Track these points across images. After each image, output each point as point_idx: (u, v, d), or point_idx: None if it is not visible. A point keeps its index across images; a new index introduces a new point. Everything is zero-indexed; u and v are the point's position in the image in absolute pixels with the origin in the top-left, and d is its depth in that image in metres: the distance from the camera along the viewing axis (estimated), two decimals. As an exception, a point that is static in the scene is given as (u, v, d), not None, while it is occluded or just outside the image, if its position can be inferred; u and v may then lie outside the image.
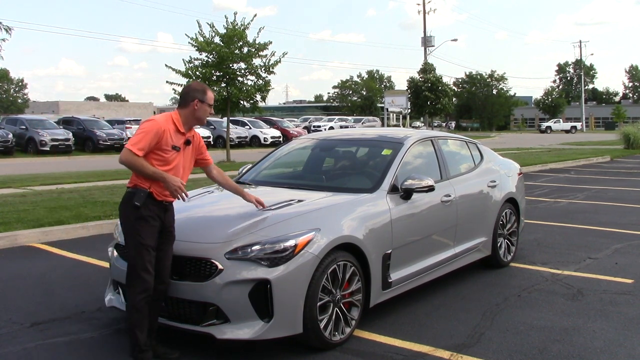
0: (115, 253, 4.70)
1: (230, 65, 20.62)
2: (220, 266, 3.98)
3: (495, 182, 6.53)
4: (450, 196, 5.68)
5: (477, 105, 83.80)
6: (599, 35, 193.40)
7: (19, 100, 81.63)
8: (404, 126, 53.82)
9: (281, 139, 35.59)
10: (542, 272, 6.32)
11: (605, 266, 6.57)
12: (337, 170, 5.94)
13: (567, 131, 68.99)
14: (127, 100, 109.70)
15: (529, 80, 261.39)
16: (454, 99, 61.81)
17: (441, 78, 48.13)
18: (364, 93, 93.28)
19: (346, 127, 43.76)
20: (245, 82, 21.26)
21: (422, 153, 5.89)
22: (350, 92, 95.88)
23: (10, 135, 27.28)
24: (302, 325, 4.03)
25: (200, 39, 20.35)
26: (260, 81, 21.22)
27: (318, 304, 4.10)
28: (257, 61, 21.03)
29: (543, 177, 16.67)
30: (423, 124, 59.49)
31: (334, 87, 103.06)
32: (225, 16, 21.32)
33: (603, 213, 10.26)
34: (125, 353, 4.12)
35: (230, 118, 24.30)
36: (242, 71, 21.10)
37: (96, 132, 30.32)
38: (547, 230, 8.69)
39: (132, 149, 3.83)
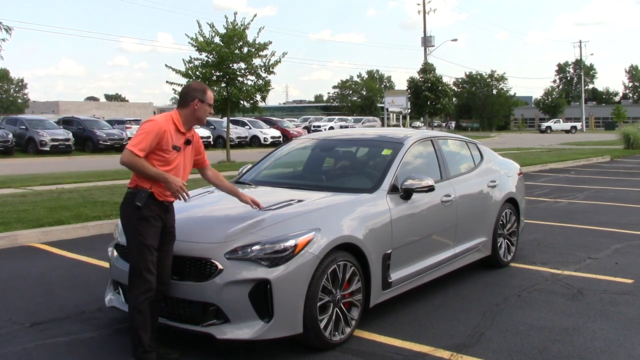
0: (115, 253, 4.71)
1: (230, 65, 20.62)
2: (220, 266, 3.98)
3: (495, 182, 6.53)
4: (450, 196, 5.68)
5: (477, 105, 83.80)
6: (599, 35, 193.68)
7: (19, 100, 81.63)
8: (404, 126, 53.83)
9: (281, 139, 35.59)
10: (542, 272, 6.32)
11: (605, 266, 6.57)
12: (337, 170, 5.94)
13: (567, 131, 68.99)
14: (127, 100, 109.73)
15: (529, 80, 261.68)
16: (454, 99, 61.81)
17: (441, 78, 48.13)
18: (364, 93, 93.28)
19: (346, 127, 43.76)
20: (245, 82, 21.26)
21: (422, 153, 5.89)
22: (350, 92, 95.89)
23: (10, 135, 27.28)
24: (302, 325, 4.03)
25: (200, 39, 20.35)
26: (260, 81, 21.21)
27: (318, 304, 4.10)
28: (257, 61, 21.04)
29: (543, 177, 16.67)
30: (423, 124, 59.49)
31: (334, 87, 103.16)
32: (225, 16, 21.34)
33: (603, 213, 10.26)
34: (126, 353, 4.13)
35: (230, 118, 24.29)
36: (242, 71, 21.09)
37: (96, 132, 30.33)
38: (547, 230, 8.69)
39: (133, 150, 3.83)
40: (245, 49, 20.61)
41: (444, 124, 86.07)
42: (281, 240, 4.06)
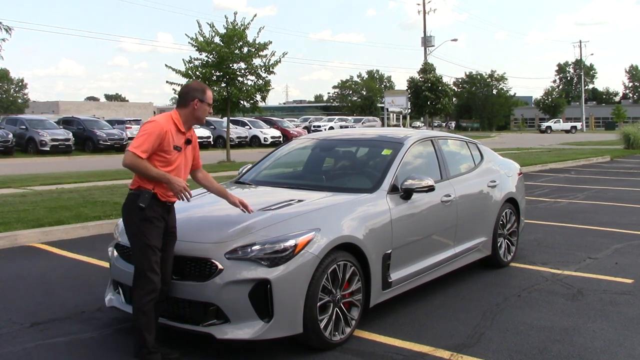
0: (115, 253, 4.71)
1: (230, 65, 20.61)
2: (220, 266, 3.98)
3: (495, 182, 6.53)
4: (450, 196, 5.68)
5: (477, 105, 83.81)
6: (599, 35, 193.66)
7: (19, 100, 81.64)
8: (404, 126, 53.84)
9: (281, 139, 35.59)
10: (542, 272, 6.32)
11: (605, 266, 6.57)
12: (337, 170, 5.94)
13: (567, 131, 69.00)
14: (127, 100, 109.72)
15: (529, 80, 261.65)
16: (454, 99, 61.80)
17: (441, 78, 48.13)
18: (364, 93, 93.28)
19: (346, 127, 43.76)
20: (245, 82, 21.25)
21: (422, 153, 5.89)
22: (350, 92, 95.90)
23: (10, 135, 27.27)
24: (302, 325, 4.03)
25: (200, 39, 20.35)
26: (260, 81, 21.21)
27: (318, 304, 4.10)
28: (257, 61, 21.03)
29: (543, 177, 16.67)
30: (423, 124, 59.50)
31: (334, 87, 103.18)
32: (225, 16, 21.33)
33: (603, 213, 10.26)
34: (126, 353, 4.13)
35: (230, 118, 24.28)
36: (242, 71, 21.09)
37: (96, 132, 30.33)
38: (547, 230, 8.69)
39: (136, 151, 3.82)
40: (245, 49, 20.61)
41: (444, 124, 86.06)
42: (281, 240, 4.06)
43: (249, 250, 4.01)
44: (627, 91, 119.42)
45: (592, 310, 5.10)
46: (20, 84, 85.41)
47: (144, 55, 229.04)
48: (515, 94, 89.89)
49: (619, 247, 7.53)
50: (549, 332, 4.57)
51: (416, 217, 5.18)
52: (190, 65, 20.71)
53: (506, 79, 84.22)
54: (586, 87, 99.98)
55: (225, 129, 24.79)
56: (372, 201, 4.87)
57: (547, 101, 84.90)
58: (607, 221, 9.34)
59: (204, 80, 19.80)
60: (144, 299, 3.86)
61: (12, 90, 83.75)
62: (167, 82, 21.84)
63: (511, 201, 6.77)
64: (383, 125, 53.52)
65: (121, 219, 4.79)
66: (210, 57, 20.54)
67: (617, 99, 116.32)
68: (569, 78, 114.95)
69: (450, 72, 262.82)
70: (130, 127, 37.71)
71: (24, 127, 29.12)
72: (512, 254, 6.73)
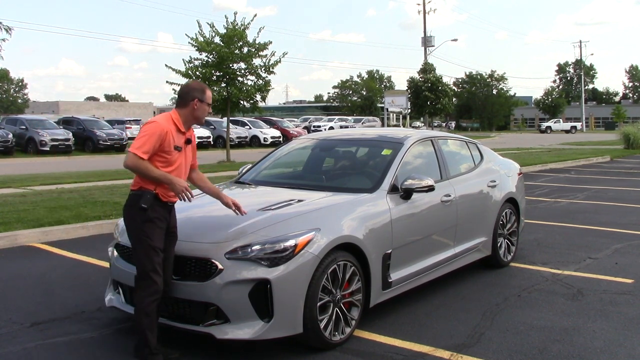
0: (115, 253, 4.71)
1: (230, 65, 20.61)
2: (220, 266, 3.98)
3: (495, 182, 6.53)
4: (450, 196, 5.68)
5: (477, 105, 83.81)
6: (599, 35, 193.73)
7: (19, 100, 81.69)
8: (404, 126, 53.84)
9: (281, 139, 35.59)
10: (542, 272, 6.32)
11: (606, 266, 6.57)
12: (337, 170, 5.94)
13: (567, 131, 69.00)
14: (127, 100, 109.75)
15: (529, 80, 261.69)
16: (454, 99, 61.83)
17: (441, 78, 48.15)
18: (364, 93, 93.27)
19: (346, 127, 43.76)
20: (245, 82, 21.26)
21: (422, 153, 5.89)
22: (350, 92, 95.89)
23: (10, 135, 27.26)
24: (302, 325, 4.03)
25: (200, 39, 20.35)
26: (260, 81, 21.21)
27: (318, 304, 4.10)
28: (257, 61, 21.04)
29: (543, 177, 16.67)
30: (423, 124, 59.50)
31: (334, 87, 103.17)
32: (225, 16, 21.32)
33: (603, 213, 10.26)
34: (126, 353, 4.13)
35: (230, 118, 24.29)
36: (242, 71, 21.09)
37: (96, 132, 30.31)
38: (547, 230, 8.69)
39: (137, 152, 3.80)
40: (245, 49, 20.61)
41: (444, 124, 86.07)
42: (281, 240, 4.06)
43: (249, 250, 4.01)
44: (627, 91, 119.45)
45: (592, 310, 5.10)
46: (20, 84, 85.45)
47: (144, 55, 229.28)
48: (515, 94, 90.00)
49: (619, 247, 7.53)
50: (549, 332, 4.57)
51: (416, 217, 5.18)
52: (190, 65, 20.71)
53: (506, 79, 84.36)
54: (586, 87, 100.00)
55: (225, 129, 24.80)
56: (372, 201, 4.87)
57: (547, 101, 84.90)
58: (607, 221, 9.34)
59: (204, 80, 19.80)
60: (147, 300, 3.85)
61: (12, 90, 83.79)
62: (167, 82, 21.86)
63: (511, 201, 6.77)
64: (383, 125, 53.51)
65: (121, 219, 4.79)
66: (210, 57, 20.55)
67: (617, 99, 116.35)
68: (569, 78, 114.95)
69: (450, 72, 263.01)
70: (130, 127, 37.76)
71: (24, 127, 29.12)
72: (512, 254, 6.73)
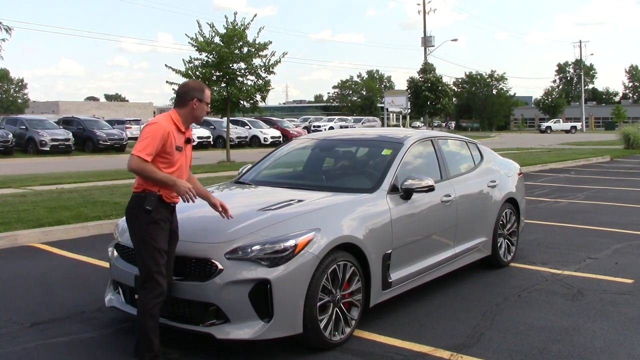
0: (116, 253, 4.70)
1: (230, 65, 20.62)
2: (220, 266, 3.98)
3: (495, 182, 6.53)
4: (450, 196, 5.68)
5: (477, 105, 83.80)
6: (599, 35, 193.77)
7: (19, 100, 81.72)
8: (404, 126, 53.84)
9: (281, 139, 35.59)
10: (542, 272, 6.32)
11: (605, 266, 6.57)
12: (337, 170, 5.94)
13: (567, 131, 69.01)
14: (127, 100, 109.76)
15: (529, 80, 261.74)
16: (454, 99, 61.84)
17: (441, 78, 48.17)
18: (364, 93, 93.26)
19: (346, 127, 43.76)
20: (245, 82, 21.27)
21: (422, 153, 5.89)
22: (350, 92, 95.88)
23: (10, 135, 27.26)
24: (302, 325, 4.03)
25: (200, 39, 20.35)
26: (260, 81, 21.22)
27: (318, 304, 4.10)
28: (257, 61, 21.05)
29: (543, 177, 16.67)
30: (423, 124, 59.51)
31: (334, 87, 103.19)
32: (225, 16, 21.35)
33: (603, 213, 10.26)
34: (126, 353, 4.13)
35: (230, 118, 24.29)
36: (242, 71, 21.10)
37: (96, 132, 30.31)
38: (547, 230, 8.69)
39: (141, 155, 3.78)
40: (245, 49, 20.62)
41: (444, 124, 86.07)
42: (281, 240, 4.06)
43: (249, 250, 4.01)
44: (627, 91, 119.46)
45: (592, 310, 5.10)
46: (20, 84, 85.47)
47: (144, 55, 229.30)
48: (515, 94, 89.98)
49: (619, 247, 7.53)
50: (549, 332, 4.57)
51: (416, 217, 5.18)
52: (190, 65, 20.72)
53: (506, 79, 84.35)
54: (586, 87, 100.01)
55: (225, 129, 24.80)
56: (372, 201, 4.86)
57: (547, 101, 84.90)
58: (607, 221, 9.34)
59: (204, 80, 19.81)
60: (151, 302, 3.84)
61: (12, 90, 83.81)
62: (167, 82, 21.85)
63: (511, 201, 6.77)
64: (383, 125, 53.51)
65: (121, 219, 4.79)
66: (210, 57, 20.55)
67: (617, 99, 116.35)
68: (569, 78, 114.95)
69: (450, 72, 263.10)
70: (130, 127, 37.75)
71: (24, 127, 29.11)
72: (512, 254, 6.73)
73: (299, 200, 4.73)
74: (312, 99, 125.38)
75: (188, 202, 4.01)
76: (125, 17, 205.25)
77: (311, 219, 4.35)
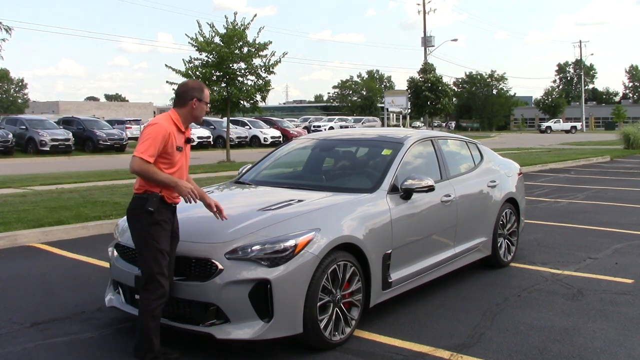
0: (115, 253, 4.70)
1: (230, 65, 20.62)
2: (220, 266, 3.98)
3: (495, 182, 6.53)
4: (450, 196, 5.68)
5: (477, 105, 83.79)
6: (599, 35, 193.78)
7: (19, 100, 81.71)
8: (404, 126, 53.84)
9: (281, 139, 35.59)
10: (542, 272, 6.32)
11: (605, 266, 6.57)
12: (337, 170, 5.94)
13: (567, 131, 69.01)
14: (127, 100, 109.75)
15: (529, 80, 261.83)
16: (454, 99, 61.84)
17: (441, 78, 48.16)
18: (364, 93, 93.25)
19: (346, 127, 43.76)
20: (245, 82, 21.26)
21: (422, 153, 5.89)
22: (350, 92, 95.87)
23: (10, 135, 27.26)
24: (302, 325, 4.03)
25: (200, 39, 20.35)
26: (260, 81, 21.21)
27: (318, 304, 4.10)
28: (257, 61, 21.04)
29: (543, 177, 16.67)
30: (423, 124, 59.51)
31: (334, 87, 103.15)
32: (225, 16, 21.34)
33: (603, 213, 10.26)
34: (126, 353, 4.13)
35: (230, 118, 24.28)
36: (242, 71, 21.09)
37: (96, 132, 30.31)
38: (547, 230, 8.69)
39: (143, 156, 3.77)
40: (245, 49, 20.61)
41: (444, 124, 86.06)
42: (281, 240, 4.06)
43: (249, 250, 4.01)
44: (627, 91, 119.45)
45: (592, 310, 5.10)
46: (20, 84, 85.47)
47: (144, 55, 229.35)
48: (515, 94, 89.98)
49: (619, 247, 7.53)
50: (549, 332, 4.57)
51: (416, 217, 5.18)
52: (190, 65, 20.72)
53: (506, 79, 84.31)
54: (586, 87, 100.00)
55: (225, 129, 24.79)
56: (372, 201, 4.86)
57: (547, 101, 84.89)
58: (607, 221, 9.34)
59: (204, 80, 19.81)
60: (154, 303, 3.83)
61: (12, 90, 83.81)
62: (167, 82, 21.84)
63: (511, 201, 6.77)
64: (383, 125, 53.51)
65: (121, 219, 4.79)
66: (210, 57, 20.55)
67: (617, 99, 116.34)
68: (569, 78, 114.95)
69: (450, 72, 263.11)
70: (130, 127, 37.76)
71: (24, 127, 29.11)
72: (512, 254, 6.73)
73: (299, 200, 4.73)
74: (312, 99, 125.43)
75: (190, 202, 4.01)
76: (125, 17, 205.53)
77: (311, 219, 4.35)
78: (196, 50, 20.41)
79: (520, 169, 7.47)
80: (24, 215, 8.83)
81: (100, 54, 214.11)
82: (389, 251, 4.77)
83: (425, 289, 5.52)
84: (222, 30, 20.33)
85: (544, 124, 74.53)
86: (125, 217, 4.56)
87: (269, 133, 37.23)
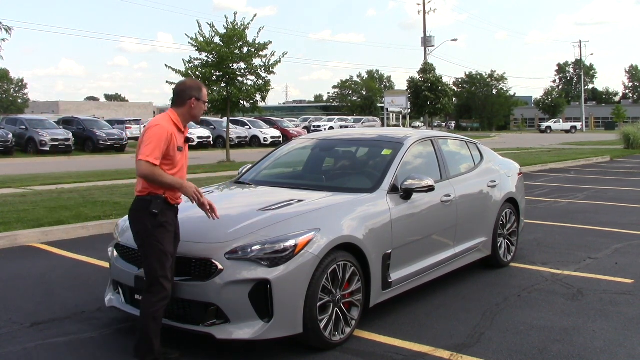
0: (115, 253, 4.70)
1: (230, 65, 20.62)
2: (220, 266, 3.98)
3: (495, 182, 6.53)
4: (450, 196, 5.68)
5: (477, 105, 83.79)
6: (599, 35, 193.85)
7: (19, 100, 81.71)
8: (404, 126, 53.84)
9: (281, 139, 35.59)
10: (542, 272, 6.32)
11: (605, 266, 6.57)
12: (337, 170, 5.94)
13: (567, 131, 69.02)
14: (127, 100, 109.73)
15: (529, 80, 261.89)
16: (454, 99, 61.83)
17: (441, 78, 48.17)
18: (364, 93, 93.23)
19: (346, 127, 43.75)
20: (245, 82, 21.27)
21: (422, 153, 5.89)
22: (350, 92, 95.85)
23: (10, 135, 27.26)
24: (302, 325, 4.03)
25: (200, 39, 20.35)
26: (260, 81, 21.22)
27: (318, 304, 4.10)
28: (257, 61, 21.05)
29: (543, 177, 16.67)
30: (423, 124, 59.50)
31: (334, 87, 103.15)
32: (225, 16, 21.33)
33: (603, 213, 10.26)
34: (126, 353, 4.13)
35: (230, 118, 24.28)
36: (242, 71, 21.10)
37: (96, 132, 30.32)
38: (547, 230, 8.69)
39: (150, 160, 3.75)
40: (245, 49, 20.62)
41: (444, 124, 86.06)
42: (281, 240, 4.06)
43: (249, 250, 4.01)
44: (627, 91, 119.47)
45: (592, 310, 5.10)
46: (20, 84, 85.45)
47: (144, 55, 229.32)
48: (515, 94, 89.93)
49: (619, 247, 7.53)
50: (549, 332, 4.57)
51: (416, 217, 5.18)
52: (190, 65, 20.72)
53: (506, 79, 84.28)
54: (586, 87, 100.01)
55: (225, 129, 24.79)
56: (372, 201, 4.86)
57: (547, 101, 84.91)
58: (607, 221, 9.34)
59: (204, 81, 19.83)
60: (156, 305, 3.83)
61: (12, 90, 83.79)
62: (167, 82, 21.84)
63: (511, 201, 6.77)
64: (383, 125, 53.51)
65: (121, 220, 4.79)
66: (210, 57, 20.55)
67: (617, 99, 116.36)
68: (569, 78, 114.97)
69: (450, 72, 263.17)
70: (130, 127, 37.72)
71: (24, 127, 29.11)
72: (512, 254, 6.73)
73: (299, 200, 4.73)
74: (312, 99, 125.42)
75: (194, 202, 4.01)
76: (125, 17, 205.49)
77: (311, 219, 4.35)
78: (196, 50, 20.43)
79: (520, 169, 7.47)
80: (24, 215, 8.83)
81: (100, 54, 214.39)
82: (389, 251, 4.77)
83: (425, 289, 5.52)
84: (222, 30, 20.35)
85: (544, 124, 74.55)
86: (125, 217, 4.57)
87: (269, 133, 37.23)
